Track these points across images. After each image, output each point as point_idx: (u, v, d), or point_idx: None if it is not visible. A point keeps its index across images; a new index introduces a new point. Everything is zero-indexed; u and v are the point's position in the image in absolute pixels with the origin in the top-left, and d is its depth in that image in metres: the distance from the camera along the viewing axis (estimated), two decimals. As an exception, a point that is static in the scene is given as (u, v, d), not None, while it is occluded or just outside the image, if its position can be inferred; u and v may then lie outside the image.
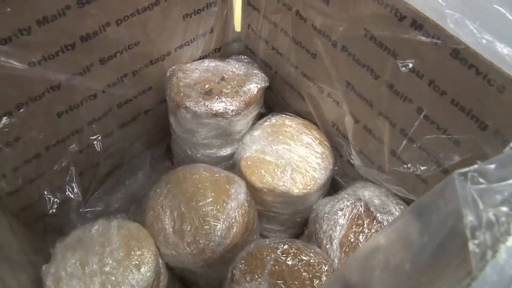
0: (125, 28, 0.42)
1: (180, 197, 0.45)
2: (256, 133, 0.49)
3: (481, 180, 0.25)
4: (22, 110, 0.40)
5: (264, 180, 0.46)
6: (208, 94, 0.48)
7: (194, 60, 0.53)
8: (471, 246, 0.23)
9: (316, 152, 0.48)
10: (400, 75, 0.37)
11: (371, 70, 0.40)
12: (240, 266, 0.41)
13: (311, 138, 0.49)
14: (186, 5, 0.47)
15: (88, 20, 0.39)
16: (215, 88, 0.48)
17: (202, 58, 0.54)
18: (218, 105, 0.47)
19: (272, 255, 0.41)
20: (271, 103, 0.56)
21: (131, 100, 0.50)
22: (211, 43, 0.53)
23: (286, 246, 0.42)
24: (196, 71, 0.50)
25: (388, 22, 0.35)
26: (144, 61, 0.48)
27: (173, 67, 0.50)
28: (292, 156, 0.47)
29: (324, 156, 0.48)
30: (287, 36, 0.47)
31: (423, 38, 0.33)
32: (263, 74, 0.51)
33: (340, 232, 0.43)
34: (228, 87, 0.48)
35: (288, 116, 0.51)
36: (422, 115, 0.37)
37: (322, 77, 0.46)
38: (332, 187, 0.52)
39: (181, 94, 0.47)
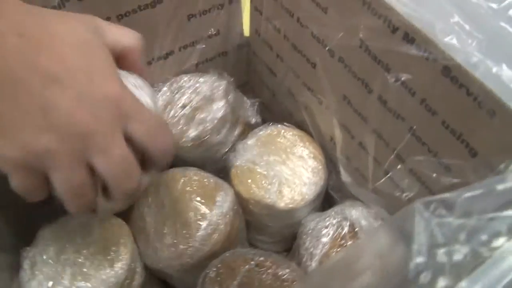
0: (126, 24, 0.43)
1: (166, 199, 0.44)
2: (250, 141, 0.48)
3: (444, 212, 0.23)
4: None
5: (251, 191, 0.45)
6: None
7: (198, 62, 0.52)
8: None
9: (308, 166, 0.45)
10: (392, 90, 0.34)
11: (366, 84, 0.37)
12: (211, 274, 0.39)
13: (305, 151, 0.47)
14: (192, 5, 0.46)
15: (88, 13, 0.40)
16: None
17: (208, 60, 0.53)
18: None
19: (246, 266, 0.40)
20: (275, 112, 0.55)
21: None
22: (217, 47, 0.52)
23: (262, 258, 0.40)
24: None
25: (382, 34, 0.33)
26: (146, 59, 0.48)
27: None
28: (282, 169, 0.45)
29: (315, 171, 0.45)
30: (289, 42, 0.45)
31: (415, 52, 0.31)
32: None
33: (321, 250, 0.40)
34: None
35: (284, 127, 0.49)
36: (414, 135, 0.35)
37: (321, 88, 0.44)
38: (327, 202, 0.50)
39: None
